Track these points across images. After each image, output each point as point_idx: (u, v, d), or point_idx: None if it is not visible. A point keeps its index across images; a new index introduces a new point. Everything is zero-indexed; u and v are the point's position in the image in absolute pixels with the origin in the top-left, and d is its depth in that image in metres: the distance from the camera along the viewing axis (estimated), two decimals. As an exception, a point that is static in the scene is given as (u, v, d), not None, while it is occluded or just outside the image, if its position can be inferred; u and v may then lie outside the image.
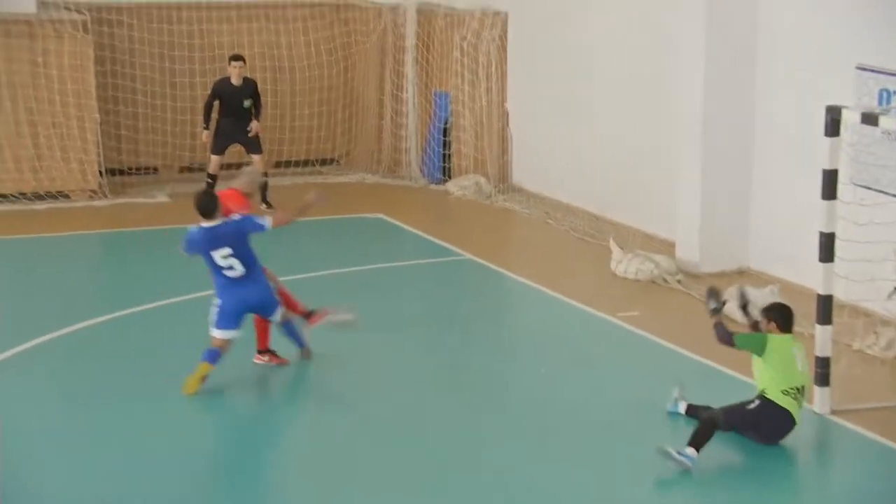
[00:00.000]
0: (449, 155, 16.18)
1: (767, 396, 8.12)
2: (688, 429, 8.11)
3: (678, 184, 12.38)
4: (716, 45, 11.81)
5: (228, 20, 16.31)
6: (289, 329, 9.73)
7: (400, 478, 7.97)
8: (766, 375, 8.18)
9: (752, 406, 8.16)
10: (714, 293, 8.52)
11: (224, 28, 16.26)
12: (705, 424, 7.95)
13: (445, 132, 16.22)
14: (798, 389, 8.16)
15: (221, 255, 9.13)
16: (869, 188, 9.90)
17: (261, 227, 9.24)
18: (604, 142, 13.83)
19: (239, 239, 9.23)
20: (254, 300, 9.33)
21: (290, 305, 9.86)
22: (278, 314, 9.52)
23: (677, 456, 7.82)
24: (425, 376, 9.81)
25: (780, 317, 8.24)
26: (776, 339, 8.17)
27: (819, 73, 10.85)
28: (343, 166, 16.90)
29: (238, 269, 9.22)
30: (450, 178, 16.01)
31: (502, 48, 15.48)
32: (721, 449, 8.10)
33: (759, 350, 8.16)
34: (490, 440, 8.58)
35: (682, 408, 8.66)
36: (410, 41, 16.35)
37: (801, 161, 10.35)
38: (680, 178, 12.36)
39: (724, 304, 8.53)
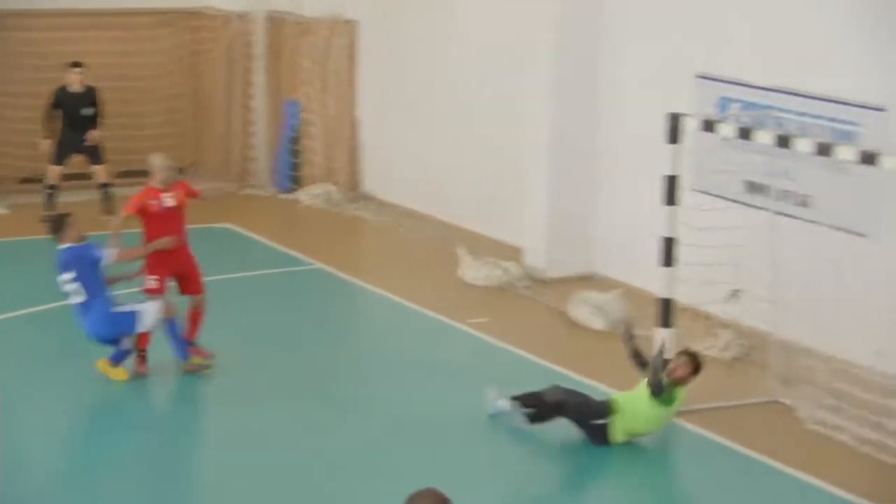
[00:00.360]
0: (299, 164, 15.82)
1: (610, 423, 8.09)
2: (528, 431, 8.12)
3: (526, 190, 12.35)
4: (563, 53, 11.85)
5: (73, 27, 15.62)
6: (172, 332, 9.41)
7: (247, 483, 7.84)
8: (639, 411, 8.10)
9: (597, 423, 8.14)
10: (628, 333, 8.44)
11: (68, 36, 15.55)
12: (552, 406, 7.99)
13: (296, 140, 15.87)
14: (639, 434, 8.25)
15: (64, 280, 9.08)
16: (708, 193, 10.00)
17: (98, 258, 9.15)
18: (453, 149, 13.73)
19: (81, 265, 9.12)
20: (93, 332, 9.17)
21: (191, 328, 9.68)
22: (139, 329, 9.25)
23: (494, 400, 8.07)
24: (273, 384, 9.54)
25: (697, 370, 8.20)
26: (680, 393, 8.15)
27: (661, 83, 10.95)
28: (191, 175, 16.23)
29: (79, 296, 9.11)
30: (300, 186, 15.64)
31: (352, 56, 15.21)
32: (562, 448, 8.16)
33: (669, 402, 8.09)
34: (335, 447, 8.39)
35: (503, 404, 8.49)
36: (259, 49, 15.99)
37: (644, 167, 10.40)
38: (527, 186, 12.35)
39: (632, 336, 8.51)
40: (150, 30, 16.03)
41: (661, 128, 8.75)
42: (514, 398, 8.41)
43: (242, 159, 16.24)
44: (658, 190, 8.78)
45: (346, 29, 15.23)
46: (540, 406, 8.17)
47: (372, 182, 15.26)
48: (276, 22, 15.83)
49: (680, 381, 8.09)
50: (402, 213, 14.44)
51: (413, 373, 9.81)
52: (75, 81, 13.87)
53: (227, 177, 16.10)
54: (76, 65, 13.92)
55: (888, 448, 7.89)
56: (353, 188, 15.34)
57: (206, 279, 9.85)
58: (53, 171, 14.00)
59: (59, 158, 14.01)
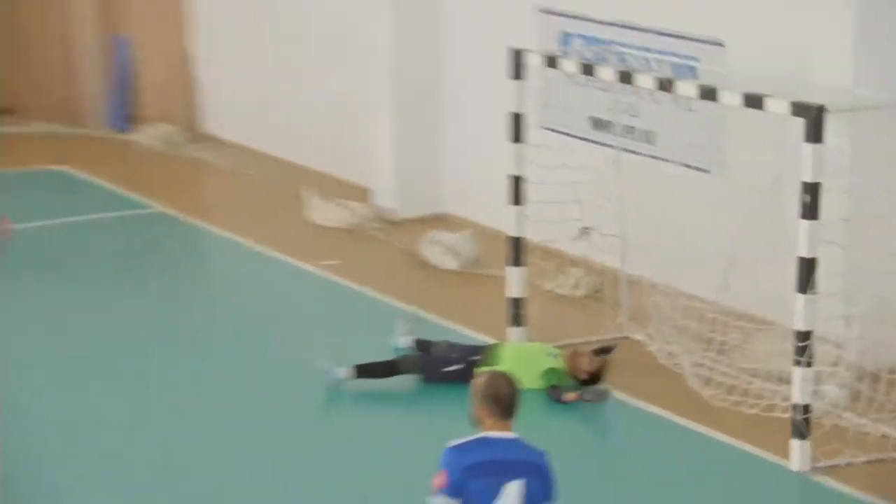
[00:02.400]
0: (133, 103, 14.81)
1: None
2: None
3: (371, 129, 11.90)
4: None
5: None
6: None
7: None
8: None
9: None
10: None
11: None
12: (390, 365, 7.93)
13: (128, 78, 14.84)
14: None
15: None
16: (554, 130, 9.79)
17: None
18: (295, 87, 13.12)
19: None
20: None
21: None
22: None
23: (328, 368, 7.81)
24: (122, 333, 9.08)
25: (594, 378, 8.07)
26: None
27: (502, 16, 10.69)
28: (19, 116, 15.16)
29: None
30: (136, 126, 14.66)
31: (185, -12, 14.29)
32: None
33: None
34: (193, 395, 8.08)
35: (404, 342, 8.42)
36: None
37: (489, 105, 10.08)
38: (373, 124, 11.90)
39: None
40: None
41: (503, 64, 8.50)
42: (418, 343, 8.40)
43: (74, 98, 15.11)
44: (504, 127, 8.56)
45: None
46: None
47: (213, 122, 14.47)
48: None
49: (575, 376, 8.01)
50: (245, 153, 13.72)
51: (264, 316, 9.48)
52: None
53: (57, 117, 14.94)
54: None
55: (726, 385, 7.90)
56: (192, 128, 14.51)
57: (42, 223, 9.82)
58: None
59: None
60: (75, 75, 15.09)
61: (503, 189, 8.69)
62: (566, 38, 10.16)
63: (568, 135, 9.81)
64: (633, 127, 9.56)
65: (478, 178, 10.98)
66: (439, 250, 10.40)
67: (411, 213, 11.51)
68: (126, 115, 14.88)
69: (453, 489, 4.04)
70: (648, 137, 9.53)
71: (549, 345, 8.28)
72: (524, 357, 7.98)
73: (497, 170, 9.12)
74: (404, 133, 11.66)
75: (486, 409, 4.12)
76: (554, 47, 9.93)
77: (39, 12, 14.97)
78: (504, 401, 4.13)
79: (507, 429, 4.17)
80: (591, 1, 9.97)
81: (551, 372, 7.89)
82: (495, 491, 4.04)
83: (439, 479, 4.08)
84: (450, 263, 10.37)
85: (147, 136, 14.43)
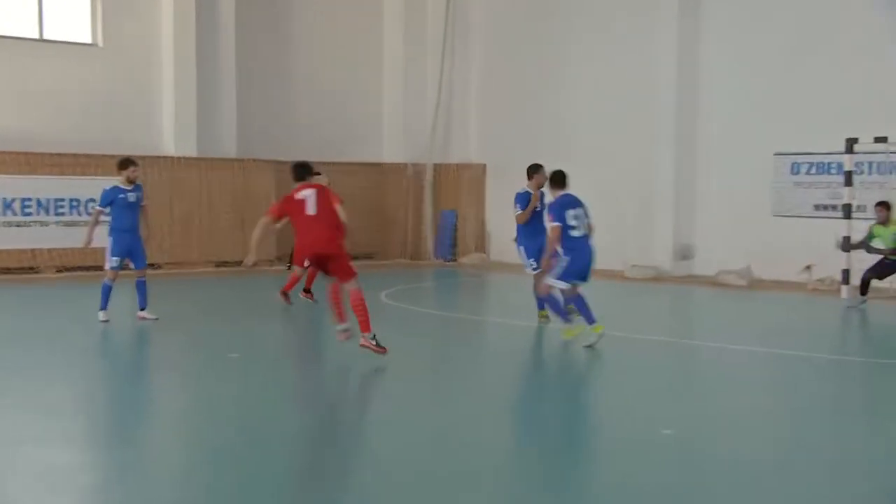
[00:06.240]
0: (455, 244, 21.64)
1: None
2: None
3: None
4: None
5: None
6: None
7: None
8: None
9: None
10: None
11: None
12: None
13: (451, 231, 21.40)
14: None
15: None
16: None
17: None
18: None
19: None
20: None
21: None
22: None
23: None
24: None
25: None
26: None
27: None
28: (378, 258, 21.13)
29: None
30: (457, 256, 21.45)
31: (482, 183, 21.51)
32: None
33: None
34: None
35: None
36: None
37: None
38: None
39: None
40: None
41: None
42: None
43: (414, 244, 21.73)
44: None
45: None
46: None
47: (496, 253, 20.51)
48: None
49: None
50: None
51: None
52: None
53: (402, 256, 21.50)
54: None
55: None
56: (486, 256, 21.26)
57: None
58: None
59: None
60: (418, 232, 21.58)
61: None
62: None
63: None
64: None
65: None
66: None
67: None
68: (450, 251, 21.44)
69: None
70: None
71: None
72: None
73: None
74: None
75: None
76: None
77: (398, 195, 21.42)
78: None
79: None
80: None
81: None
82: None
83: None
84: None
85: (466, 260, 20.84)
